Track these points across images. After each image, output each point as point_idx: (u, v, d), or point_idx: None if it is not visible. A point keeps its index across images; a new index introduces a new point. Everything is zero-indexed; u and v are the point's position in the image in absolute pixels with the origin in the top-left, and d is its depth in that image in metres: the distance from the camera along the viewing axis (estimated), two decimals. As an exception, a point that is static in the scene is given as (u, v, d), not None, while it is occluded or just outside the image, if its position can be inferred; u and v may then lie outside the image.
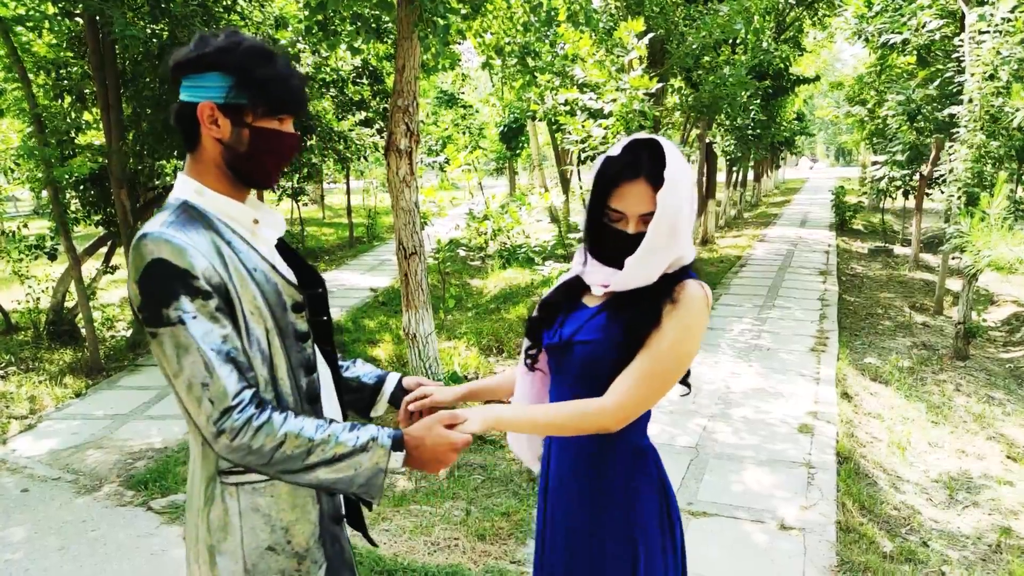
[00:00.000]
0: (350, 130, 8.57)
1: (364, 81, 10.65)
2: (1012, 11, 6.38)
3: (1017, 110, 4.00)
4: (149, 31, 6.16)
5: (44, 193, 10.79)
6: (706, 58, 10.03)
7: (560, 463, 1.50)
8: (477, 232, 10.75)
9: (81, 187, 7.03)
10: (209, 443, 1.15)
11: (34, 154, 5.15)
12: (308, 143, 7.71)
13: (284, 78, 1.25)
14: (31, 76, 5.93)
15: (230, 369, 1.14)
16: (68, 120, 6.10)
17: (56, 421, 5.02)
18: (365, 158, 10.12)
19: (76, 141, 6.27)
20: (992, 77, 6.41)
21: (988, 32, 6.42)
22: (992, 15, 6.44)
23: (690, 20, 9.41)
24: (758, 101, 16.73)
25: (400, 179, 5.04)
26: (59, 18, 5.59)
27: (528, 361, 1.54)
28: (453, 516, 3.45)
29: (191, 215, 1.22)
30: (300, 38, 7.52)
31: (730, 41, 11.64)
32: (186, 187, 1.26)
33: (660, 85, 7.61)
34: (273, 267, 1.27)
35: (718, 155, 16.90)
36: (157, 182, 7.62)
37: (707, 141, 14.44)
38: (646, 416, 1.47)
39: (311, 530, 1.31)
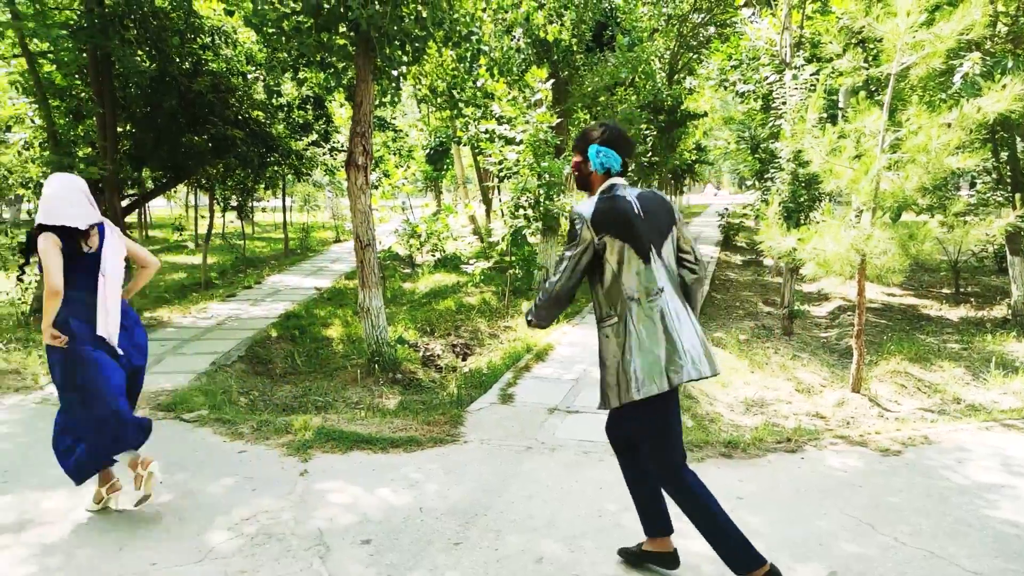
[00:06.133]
0: (305, 149, 9.96)
1: (308, 107, 12.07)
2: (814, 74, 8.64)
3: (786, 147, 5.98)
4: (143, 67, 7.46)
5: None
6: (602, 97, 12.07)
7: None
8: (408, 240, 12.32)
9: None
10: None
11: (60, 163, 6.32)
12: (269, 160, 9.06)
13: None
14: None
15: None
16: (74, 136, 7.25)
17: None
18: (309, 174, 11.53)
19: (77, 154, 7.42)
20: (802, 120, 8.62)
21: (797, 88, 8.64)
22: (800, 75, 8.69)
23: (589, 66, 11.41)
24: (654, 132, 19.15)
25: (358, 187, 6.59)
26: (69, 48, 6.78)
27: None
28: (408, 417, 5.00)
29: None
30: (262, 75, 8.91)
31: (625, 82, 13.76)
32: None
33: (559, 120, 9.47)
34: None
35: (621, 179, 19.17)
36: (135, 189, 8.80)
37: (609, 166, 16.57)
38: None
39: None
